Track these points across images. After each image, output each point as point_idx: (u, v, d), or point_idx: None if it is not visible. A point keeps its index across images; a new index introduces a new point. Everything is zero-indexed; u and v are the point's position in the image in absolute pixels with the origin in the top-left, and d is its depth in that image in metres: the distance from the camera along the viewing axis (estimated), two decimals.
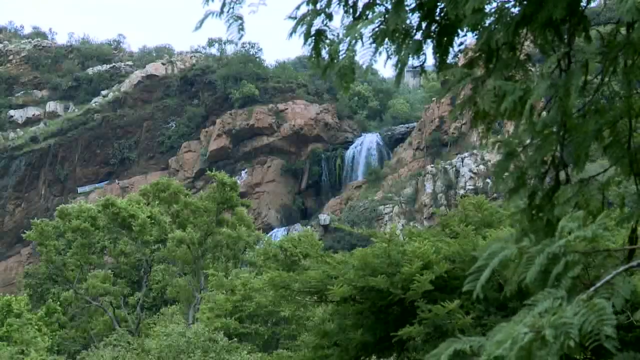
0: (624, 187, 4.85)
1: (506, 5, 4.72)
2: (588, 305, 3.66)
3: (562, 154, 4.75)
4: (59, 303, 51.12)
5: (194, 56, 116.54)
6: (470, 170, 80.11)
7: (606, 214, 4.66)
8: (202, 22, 5.39)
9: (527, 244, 4.52)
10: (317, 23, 5.03)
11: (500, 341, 3.65)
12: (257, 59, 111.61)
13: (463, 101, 5.01)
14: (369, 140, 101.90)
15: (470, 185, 78.51)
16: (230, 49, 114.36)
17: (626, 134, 4.67)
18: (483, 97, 4.74)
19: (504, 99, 4.57)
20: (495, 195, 53.69)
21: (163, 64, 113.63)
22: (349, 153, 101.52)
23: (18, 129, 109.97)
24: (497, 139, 5.09)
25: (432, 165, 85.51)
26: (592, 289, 3.87)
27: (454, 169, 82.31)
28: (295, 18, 5.07)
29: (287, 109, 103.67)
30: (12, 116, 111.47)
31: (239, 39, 5.40)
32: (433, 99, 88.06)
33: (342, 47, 4.90)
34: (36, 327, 40.63)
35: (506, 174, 4.95)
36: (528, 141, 4.83)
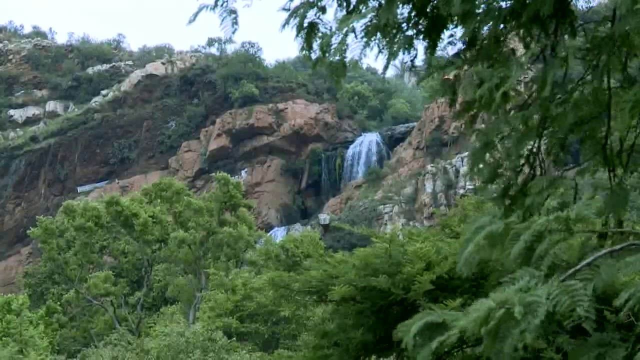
0: (599, 180, 4.89)
1: None
2: (562, 286, 3.69)
3: (539, 148, 4.78)
4: (59, 303, 51.17)
5: (194, 56, 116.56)
6: None
7: (590, 194, 4.69)
8: (195, 15, 5.42)
9: (514, 220, 4.55)
10: (310, 16, 5.02)
11: (472, 316, 3.69)
12: (257, 59, 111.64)
13: (443, 88, 5.05)
14: (369, 140, 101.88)
15: (470, 184, 78.49)
16: (230, 49, 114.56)
17: (603, 130, 4.69)
18: (465, 85, 4.77)
19: (481, 86, 4.60)
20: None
21: (163, 63, 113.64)
22: (348, 153, 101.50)
23: (18, 129, 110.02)
24: (478, 128, 5.12)
25: (432, 165, 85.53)
26: (571, 270, 3.90)
27: (453, 168, 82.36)
28: (289, 10, 5.08)
29: (287, 108, 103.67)
30: (12, 116, 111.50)
31: (233, 33, 5.41)
32: (433, 97, 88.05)
33: (334, 40, 4.91)
34: (34, 326, 40.62)
35: (482, 164, 4.97)
36: (506, 132, 4.86)
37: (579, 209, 4.26)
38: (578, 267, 3.95)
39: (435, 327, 3.91)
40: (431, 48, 4.94)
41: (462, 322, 3.70)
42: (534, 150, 4.77)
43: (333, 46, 4.90)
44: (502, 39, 4.79)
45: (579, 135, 4.69)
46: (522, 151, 4.80)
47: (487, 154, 4.91)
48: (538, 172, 4.83)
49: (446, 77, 5.01)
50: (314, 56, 5.05)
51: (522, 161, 4.84)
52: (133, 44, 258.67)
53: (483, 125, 5.34)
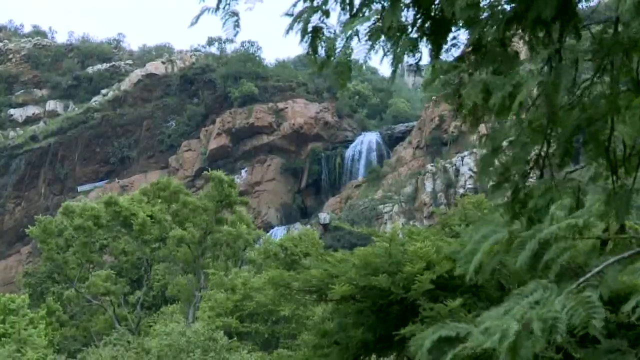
0: (605, 183, 4.86)
1: (500, 2, 4.74)
2: (577, 298, 3.69)
3: (547, 151, 4.76)
4: (59, 302, 51.14)
5: (194, 55, 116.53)
6: (470, 169, 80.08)
7: (596, 200, 4.67)
8: (197, 17, 5.43)
9: (518, 228, 4.54)
10: (314, 20, 5.03)
11: (489, 332, 3.67)
12: (257, 58, 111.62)
13: (448, 92, 5.04)
14: (369, 139, 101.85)
15: (470, 184, 78.47)
16: (230, 48, 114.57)
17: (606, 132, 4.68)
18: (469, 89, 4.76)
19: (493, 94, 4.58)
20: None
21: (163, 62, 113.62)
22: (348, 152, 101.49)
23: (18, 128, 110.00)
24: (485, 133, 5.10)
25: (432, 164, 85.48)
26: (581, 279, 3.90)
27: (453, 167, 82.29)
28: (292, 15, 5.08)
29: (286, 107, 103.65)
30: (12, 115, 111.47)
31: (235, 35, 5.42)
32: (433, 97, 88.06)
33: (339, 44, 4.91)
34: (34, 325, 40.63)
35: (491, 168, 4.97)
36: (513, 137, 4.84)
37: (586, 216, 4.26)
38: (588, 275, 3.94)
39: (448, 340, 3.90)
40: (436, 51, 4.93)
41: (484, 340, 3.69)
42: (542, 154, 4.76)
43: (338, 50, 4.91)
44: (506, 42, 4.78)
45: (582, 136, 4.67)
46: (530, 156, 4.79)
47: (496, 159, 4.90)
48: (547, 176, 4.81)
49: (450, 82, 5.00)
50: (319, 60, 5.05)
51: (530, 165, 4.83)
52: (133, 44, 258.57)
53: (483, 126, 5.32)
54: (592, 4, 5.10)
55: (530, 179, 4.89)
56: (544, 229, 4.24)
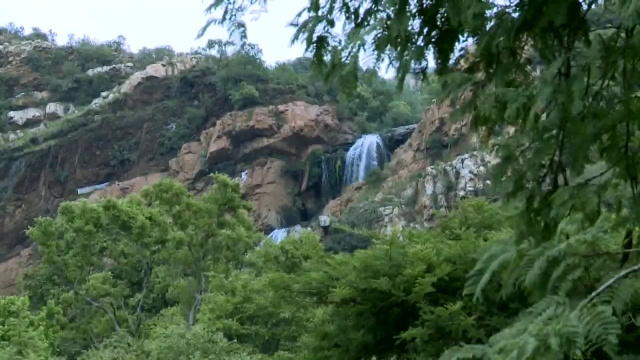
0: (620, 190, 4.84)
1: (506, 11, 4.73)
2: (591, 312, 3.66)
3: (560, 158, 4.75)
4: (59, 305, 51.14)
5: (194, 58, 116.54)
6: (471, 172, 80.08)
7: (605, 216, 4.66)
8: (204, 29, 5.43)
9: (526, 247, 4.53)
10: (319, 29, 5.05)
11: (505, 350, 3.63)
12: (257, 61, 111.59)
13: (463, 105, 5.03)
14: (369, 142, 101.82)
15: (470, 186, 78.46)
16: (230, 51, 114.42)
17: (624, 138, 4.67)
18: (483, 102, 4.75)
19: (507, 106, 4.58)
20: (495, 196, 53.61)
21: (163, 65, 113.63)
22: (349, 154, 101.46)
23: (18, 130, 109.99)
24: (496, 141, 5.10)
25: (432, 167, 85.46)
26: (593, 293, 3.87)
27: (454, 170, 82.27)
28: (297, 25, 5.09)
29: (287, 110, 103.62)
30: (12, 117, 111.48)
31: (242, 46, 5.44)
32: (433, 100, 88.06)
33: (345, 53, 4.92)
34: (34, 327, 40.64)
35: (504, 177, 4.95)
36: (526, 144, 4.83)
37: (594, 232, 4.24)
38: (600, 290, 3.91)
39: None
40: (443, 60, 4.93)
41: (495, 357, 3.64)
42: (556, 159, 4.75)
43: (344, 60, 4.91)
44: (517, 51, 4.78)
45: (601, 145, 4.66)
46: (544, 161, 4.78)
47: (509, 168, 4.89)
48: (561, 182, 4.80)
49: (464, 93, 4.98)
50: (324, 70, 5.06)
51: (545, 171, 4.82)
52: (133, 46, 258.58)
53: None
54: (594, 7, 5.10)
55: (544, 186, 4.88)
56: (553, 246, 4.23)
